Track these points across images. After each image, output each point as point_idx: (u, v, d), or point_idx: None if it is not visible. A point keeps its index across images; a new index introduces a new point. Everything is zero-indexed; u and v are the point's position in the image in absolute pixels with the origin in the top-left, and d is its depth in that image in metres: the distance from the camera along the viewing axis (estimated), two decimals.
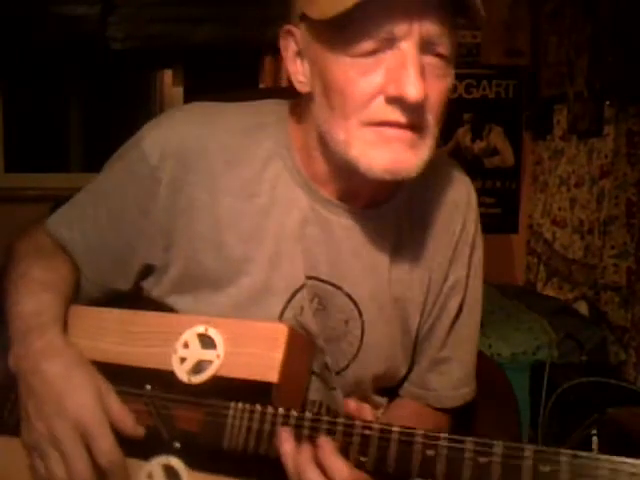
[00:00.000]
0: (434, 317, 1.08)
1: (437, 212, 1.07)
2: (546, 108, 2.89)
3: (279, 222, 1.00)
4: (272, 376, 0.87)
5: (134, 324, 0.97)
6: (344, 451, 0.80)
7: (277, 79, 2.85)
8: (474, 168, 3.07)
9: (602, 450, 1.82)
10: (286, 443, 0.82)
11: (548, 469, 0.72)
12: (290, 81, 0.97)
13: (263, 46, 2.88)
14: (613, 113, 2.41)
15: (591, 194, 2.57)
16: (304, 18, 0.91)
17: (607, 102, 2.44)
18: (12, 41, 2.90)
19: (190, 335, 0.92)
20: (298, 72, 0.95)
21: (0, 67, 2.92)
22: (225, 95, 1.10)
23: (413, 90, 0.85)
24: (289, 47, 0.95)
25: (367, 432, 0.80)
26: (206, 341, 0.91)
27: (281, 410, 0.84)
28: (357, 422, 0.81)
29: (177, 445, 0.87)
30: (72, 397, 0.87)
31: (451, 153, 3.07)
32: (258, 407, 0.85)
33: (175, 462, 0.87)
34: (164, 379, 0.90)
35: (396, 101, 0.87)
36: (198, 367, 0.90)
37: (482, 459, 0.75)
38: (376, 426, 0.80)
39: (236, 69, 2.91)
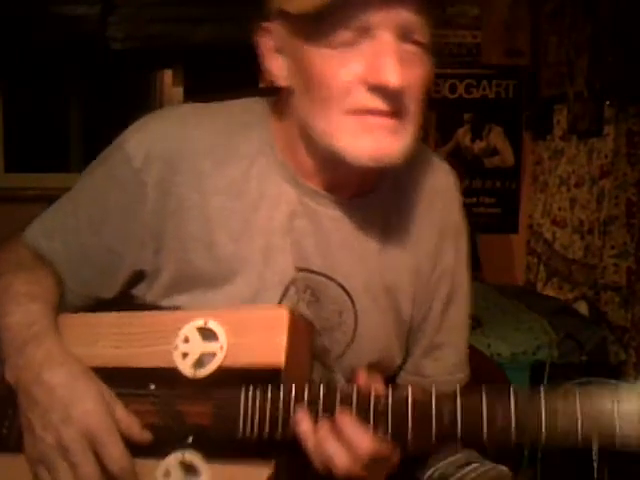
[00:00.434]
0: (426, 305, 1.09)
1: (420, 200, 1.08)
2: (546, 108, 2.89)
3: (268, 217, 1.00)
4: (278, 360, 0.86)
5: (128, 326, 0.96)
6: (362, 422, 0.80)
7: None
8: (474, 168, 3.07)
9: (602, 450, 1.82)
10: (303, 422, 0.82)
11: (561, 405, 0.76)
12: (269, 78, 0.98)
13: None
14: (613, 113, 2.41)
15: (591, 194, 2.57)
16: (281, 14, 0.92)
17: (607, 102, 2.44)
18: (12, 41, 2.90)
19: (189, 330, 0.91)
20: (277, 68, 0.96)
21: (0, 67, 2.92)
22: (225, 95, 1.10)
23: (393, 77, 0.87)
24: (267, 44, 0.96)
25: (383, 401, 0.81)
26: (207, 334, 0.90)
27: (293, 391, 0.84)
28: (372, 393, 0.82)
29: (190, 440, 0.87)
30: (78, 405, 0.86)
31: (451, 153, 3.08)
32: (269, 391, 0.84)
33: (191, 456, 0.86)
34: (167, 377, 0.89)
35: (376, 89, 0.89)
36: (201, 361, 0.89)
37: (499, 410, 0.77)
38: (391, 394, 0.81)
39: (236, 69, 2.92)
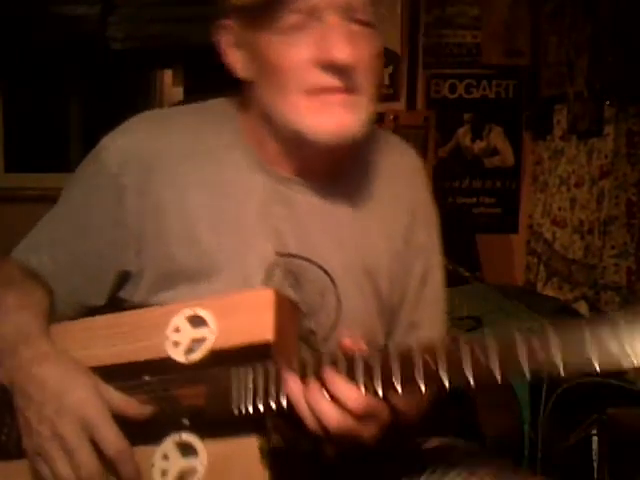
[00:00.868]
0: (403, 285, 1.13)
1: (389, 184, 1.13)
2: (546, 108, 2.89)
3: (244, 207, 1.04)
4: (267, 335, 0.89)
5: (120, 324, 0.98)
6: (352, 379, 0.82)
7: None
8: (474, 168, 3.07)
9: (602, 450, 1.82)
10: (292, 384, 0.84)
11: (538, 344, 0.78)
12: (231, 73, 1.04)
13: None
14: (613, 113, 2.41)
15: (591, 194, 2.57)
16: (234, 9, 0.99)
17: (607, 102, 2.44)
18: (12, 41, 2.90)
19: (179, 320, 0.93)
20: (237, 61, 1.02)
21: (0, 67, 2.92)
22: (225, 95, 1.12)
23: (341, 53, 0.93)
24: (225, 40, 1.02)
25: (366, 358, 0.83)
26: (196, 321, 0.93)
27: (283, 361, 0.86)
28: (357, 352, 0.84)
29: (186, 422, 0.88)
30: (71, 394, 0.88)
31: (451, 153, 3.08)
32: (259, 365, 0.87)
33: (187, 436, 0.88)
34: (161, 366, 0.91)
35: (328, 66, 0.94)
36: (193, 347, 0.91)
37: (479, 353, 0.80)
38: (375, 351, 0.84)
39: None
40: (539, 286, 2.96)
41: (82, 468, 0.86)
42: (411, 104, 3.04)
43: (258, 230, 1.04)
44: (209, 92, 1.14)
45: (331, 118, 0.97)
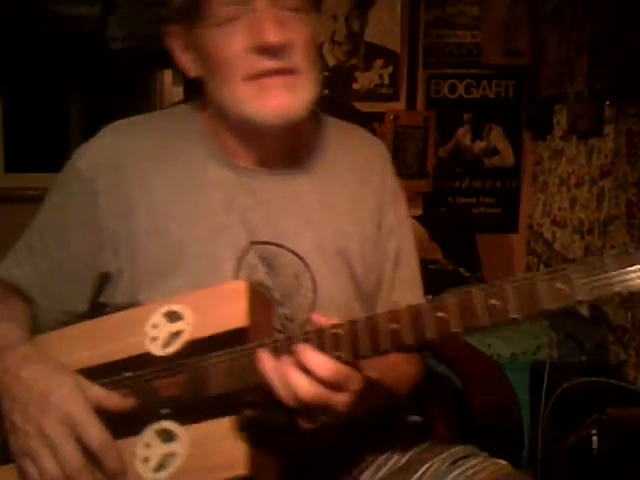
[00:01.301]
0: (378, 266, 1.18)
1: (354, 167, 1.18)
2: (546, 108, 2.89)
3: (211, 201, 1.09)
4: (241, 321, 0.93)
5: (100, 328, 1.03)
6: (322, 351, 0.86)
7: None
8: (474, 168, 3.07)
9: (602, 450, 1.82)
10: (265, 360, 0.87)
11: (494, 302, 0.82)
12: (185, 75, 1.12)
13: None
14: (613, 113, 2.41)
15: (591, 194, 2.57)
16: (174, 13, 1.07)
17: (607, 102, 2.44)
18: (12, 41, 2.90)
19: (156, 317, 0.98)
20: (186, 62, 1.10)
21: (0, 67, 2.92)
22: None
23: (270, 35, 0.99)
24: (175, 45, 1.11)
25: (335, 330, 0.87)
26: (173, 316, 0.97)
27: (256, 342, 0.90)
28: (326, 326, 0.88)
29: (166, 411, 0.92)
30: (54, 393, 0.91)
31: (451, 153, 3.08)
32: (234, 349, 0.91)
33: (167, 424, 0.92)
34: (141, 362, 0.96)
35: (261, 50, 1.00)
36: (172, 339, 0.96)
37: (439, 314, 0.84)
38: (343, 322, 0.88)
39: None
40: None
41: (67, 464, 0.88)
42: (411, 104, 3.04)
43: (226, 222, 1.08)
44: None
45: (272, 100, 1.02)
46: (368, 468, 1.13)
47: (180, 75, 1.16)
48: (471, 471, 1.04)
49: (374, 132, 1.50)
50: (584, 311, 2.54)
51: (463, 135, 3.07)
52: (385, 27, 2.97)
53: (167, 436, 0.92)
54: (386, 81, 3.00)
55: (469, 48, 3.02)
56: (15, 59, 2.93)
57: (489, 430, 1.34)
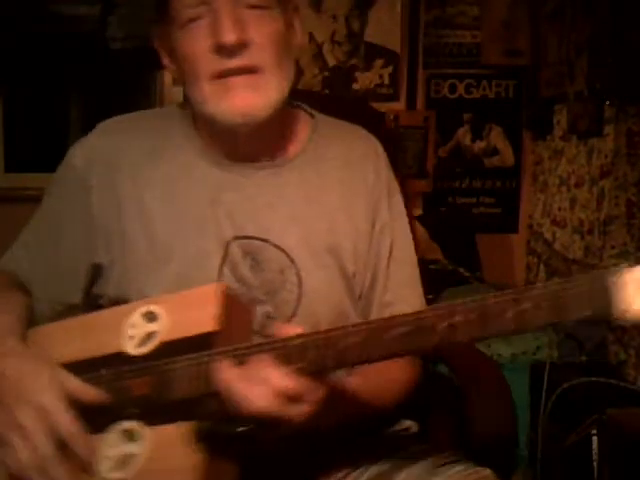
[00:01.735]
0: (373, 265, 1.16)
1: (348, 165, 1.17)
2: (546, 108, 2.89)
3: (197, 198, 1.11)
4: (211, 326, 0.93)
5: (84, 324, 1.06)
6: (282, 363, 0.85)
7: None
8: (474, 168, 3.07)
9: (602, 450, 1.82)
10: (225, 369, 0.87)
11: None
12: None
13: None
14: (613, 113, 2.41)
15: (591, 194, 2.57)
16: (157, 17, 1.09)
17: (607, 102, 2.44)
18: (12, 41, 2.90)
19: (136, 316, 1.00)
20: (168, 63, 1.12)
21: (0, 67, 2.92)
22: None
23: (226, 35, 1.00)
24: (158, 45, 1.12)
25: (298, 340, 0.86)
26: (150, 317, 0.99)
27: (220, 349, 0.90)
28: (289, 336, 0.87)
29: (134, 410, 0.94)
30: (29, 383, 0.94)
31: (451, 153, 3.07)
32: (200, 354, 0.91)
33: (131, 424, 0.94)
34: (117, 360, 0.98)
35: (220, 49, 1.01)
36: (145, 340, 0.98)
37: (402, 329, 0.82)
38: (306, 333, 0.87)
39: None
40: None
41: (38, 453, 0.90)
42: (411, 104, 3.04)
43: (211, 217, 1.10)
44: None
45: (234, 100, 1.03)
46: (350, 474, 1.12)
47: None
48: (452, 479, 1.04)
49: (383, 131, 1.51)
50: None
51: (463, 135, 3.06)
52: (385, 27, 2.97)
53: (131, 436, 0.93)
54: (386, 81, 3.00)
55: (469, 48, 3.02)
56: (15, 59, 2.93)
57: (484, 433, 1.34)
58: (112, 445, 0.93)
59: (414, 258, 1.22)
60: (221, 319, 0.94)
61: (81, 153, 1.17)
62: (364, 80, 2.99)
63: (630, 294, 0.69)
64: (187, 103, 1.16)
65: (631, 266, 0.70)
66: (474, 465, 1.08)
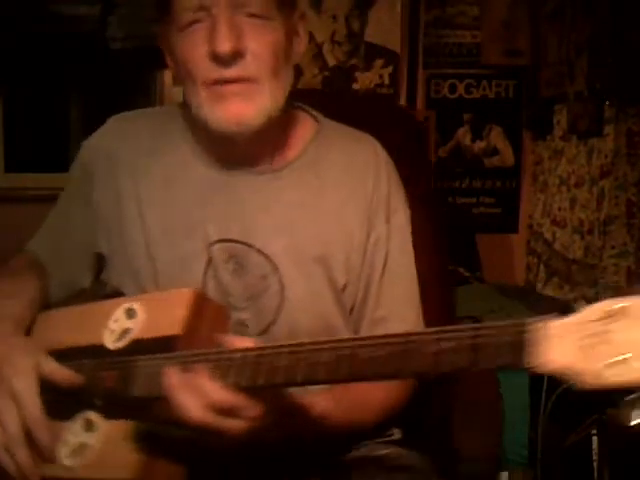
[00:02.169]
0: (366, 278, 1.14)
1: (346, 173, 1.15)
2: (546, 108, 2.89)
3: (189, 197, 1.13)
4: (176, 329, 0.97)
5: (77, 314, 1.12)
6: (219, 375, 0.86)
7: None
8: (474, 168, 3.07)
9: (602, 450, 1.82)
10: (170, 375, 0.88)
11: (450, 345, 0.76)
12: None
13: None
14: (613, 113, 2.41)
15: (591, 194, 2.57)
16: (160, 18, 1.10)
17: (607, 102, 2.44)
18: (12, 41, 2.89)
19: (120, 311, 1.05)
20: (170, 64, 1.13)
21: (0, 67, 2.91)
22: None
23: (221, 44, 1.00)
24: (162, 46, 1.13)
25: (239, 355, 0.87)
26: (130, 313, 1.04)
27: (176, 353, 0.93)
28: (233, 349, 0.88)
29: (99, 402, 0.98)
30: (8, 368, 0.99)
31: (451, 153, 3.07)
32: (160, 355, 0.94)
33: (93, 415, 0.98)
34: (97, 352, 1.03)
35: (214, 57, 1.02)
36: (122, 335, 1.02)
37: (327, 355, 0.80)
38: (254, 347, 0.88)
39: None
40: (539, 286, 2.96)
41: (7, 434, 0.95)
42: (411, 104, 3.04)
43: (200, 218, 1.11)
44: None
45: (227, 108, 1.03)
46: None
47: None
48: None
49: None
50: None
51: (463, 135, 3.06)
52: (385, 27, 2.97)
53: (89, 426, 0.98)
54: (386, 81, 3.00)
55: (469, 48, 3.02)
56: (15, 59, 2.93)
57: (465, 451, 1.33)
58: (73, 433, 0.98)
59: (413, 275, 1.18)
60: (186, 324, 0.97)
61: (89, 146, 1.22)
62: (364, 80, 2.99)
63: (544, 349, 0.68)
64: (186, 104, 1.15)
65: (547, 320, 0.70)
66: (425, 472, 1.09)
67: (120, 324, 1.04)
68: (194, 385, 0.86)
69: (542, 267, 2.95)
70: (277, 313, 1.10)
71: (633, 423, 0.68)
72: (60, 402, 1.00)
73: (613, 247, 2.42)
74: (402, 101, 3.04)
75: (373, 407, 1.11)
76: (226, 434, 0.86)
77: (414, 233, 1.21)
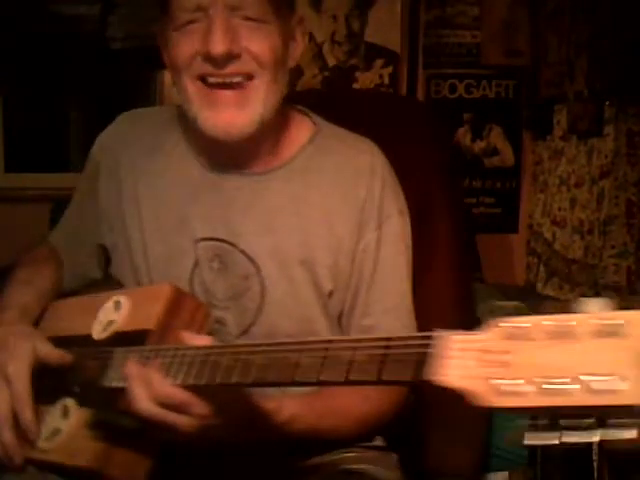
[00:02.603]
0: (354, 284, 1.13)
1: (339, 178, 1.14)
2: (546, 108, 2.89)
3: (180, 195, 1.15)
4: (149, 324, 1.00)
5: (77, 305, 1.18)
6: (169, 371, 0.89)
7: None
8: (474, 168, 3.07)
9: (602, 450, 1.82)
10: (129, 367, 0.91)
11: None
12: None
13: None
14: (613, 113, 2.41)
15: (591, 194, 2.57)
16: (159, 17, 1.11)
17: (607, 102, 2.44)
18: (12, 41, 2.89)
19: (109, 303, 1.09)
20: (166, 62, 1.14)
21: (0, 67, 2.91)
22: None
23: (215, 45, 1.02)
24: (160, 44, 1.14)
25: (191, 352, 0.89)
26: (117, 306, 1.08)
27: (141, 347, 0.96)
28: (188, 347, 0.91)
29: (77, 390, 1.03)
30: (4, 352, 1.04)
31: (451, 153, 3.07)
32: (130, 348, 0.97)
33: (69, 402, 1.04)
34: (85, 341, 1.08)
35: (207, 57, 1.04)
36: (107, 327, 1.07)
37: (271, 355, 0.80)
38: (205, 346, 0.90)
39: None
40: (539, 286, 2.96)
41: None
42: None
43: (189, 216, 1.13)
44: None
45: (220, 116, 1.05)
46: None
47: None
48: None
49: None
50: None
51: (463, 135, 3.06)
52: (385, 27, 2.97)
53: (65, 412, 1.03)
54: (386, 81, 2.99)
55: (469, 48, 3.02)
56: (15, 59, 2.93)
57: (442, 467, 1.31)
58: (52, 417, 1.04)
59: (404, 285, 1.16)
60: (159, 319, 1.00)
61: (99, 141, 1.27)
62: (364, 80, 2.99)
63: (442, 365, 0.66)
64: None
65: (451, 334, 0.68)
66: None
67: (107, 316, 1.08)
68: (145, 377, 0.89)
69: (542, 267, 2.95)
70: (257, 314, 1.10)
71: (526, 443, 0.64)
72: (49, 388, 1.04)
73: (613, 247, 2.42)
74: None
75: (351, 415, 1.10)
76: (173, 429, 0.89)
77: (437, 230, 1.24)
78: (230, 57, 1.03)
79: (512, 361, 0.62)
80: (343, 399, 1.08)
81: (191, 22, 1.05)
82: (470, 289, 1.46)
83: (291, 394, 1.01)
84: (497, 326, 0.65)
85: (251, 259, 1.11)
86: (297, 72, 2.86)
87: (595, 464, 1.86)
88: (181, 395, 0.88)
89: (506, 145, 3.08)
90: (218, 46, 1.02)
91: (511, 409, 0.61)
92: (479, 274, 2.82)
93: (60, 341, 1.09)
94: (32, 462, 1.04)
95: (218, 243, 1.12)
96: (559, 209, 2.82)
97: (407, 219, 1.18)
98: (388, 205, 1.15)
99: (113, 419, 0.96)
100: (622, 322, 0.58)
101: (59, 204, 1.36)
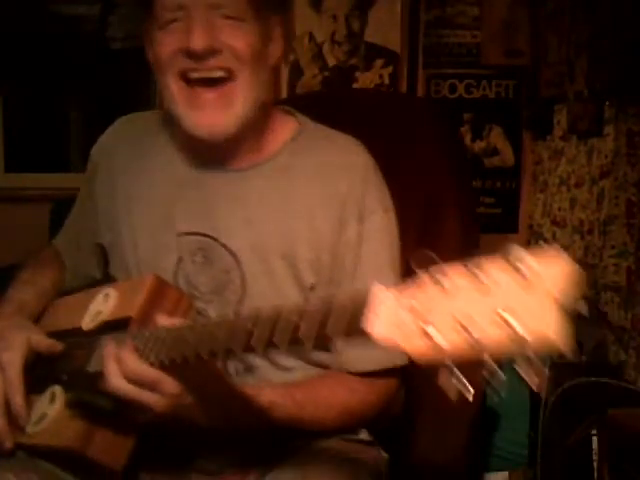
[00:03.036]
0: (337, 279, 1.14)
1: (321, 174, 1.16)
2: (546, 108, 2.89)
3: (165, 192, 1.19)
4: (131, 312, 1.04)
5: (72, 301, 1.23)
6: (139, 350, 0.93)
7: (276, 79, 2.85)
8: (474, 168, 3.07)
9: (602, 450, 1.82)
10: (106, 349, 0.95)
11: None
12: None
13: None
14: (613, 113, 2.41)
15: (591, 194, 2.57)
16: (145, 17, 1.14)
17: (607, 102, 2.44)
18: (11, 41, 2.90)
19: (100, 296, 1.13)
20: (150, 61, 1.16)
21: (0, 67, 2.91)
22: None
23: (195, 41, 1.05)
24: (145, 43, 1.16)
25: (160, 332, 0.93)
26: (106, 298, 1.12)
27: (122, 332, 1.00)
28: (158, 328, 0.94)
29: (65, 377, 1.08)
30: (0, 344, 1.10)
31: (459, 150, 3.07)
32: (114, 334, 1.01)
33: (57, 389, 1.08)
34: (76, 333, 1.12)
35: (187, 54, 1.07)
36: (95, 317, 1.11)
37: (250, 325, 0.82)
38: (177, 326, 0.93)
39: None
40: None
41: None
42: None
43: (174, 212, 1.17)
44: None
45: (203, 116, 1.08)
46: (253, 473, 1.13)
47: None
48: None
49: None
50: (584, 311, 2.54)
51: (463, 135, 3.06)
52: (385, 27, 2.97)
53: (52, 399, 1.08)
54: (386, 81, 2.99)
55: (469, 48, 3.02)
56: (15, 59, 2.93)
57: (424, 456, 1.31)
58: (42, 403, 1.08)
59: (387, 281, 1.14)
60: (140, 307, 1.04)
61: (98, 143, 1.31)
62: (364, 80, 2.99)
63: (374, 317, 0.68)
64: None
65: (383, 287, 0.70)
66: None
67: (97, 307, 1.12)
68: (119, 356, 0.93)
69: None
70: (238, 308, 1.12)
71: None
72: (41, 378, 1.10)
73: (613, 247, 2.42)
74: None
75: (334, 407, 1.11)
76: (147, 408, 0.92)
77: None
78: (211, 52, 1.06)
79: (430, 309, 0.64)
80: (326, 390, 1.10)
81: (174, 21, 1.08)
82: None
83: (272, 384, 1.06)
84: (427, 275, 0.67)
85: (232, 253, 1.13)
86: (297, 72, 2.87)
87: (595, 464, 1.86)
88: (151, 373, 0.91)
89: (506, 145, 3.08)
90: (198, 42, 1.05)
91: (426, 360, 0.63)
92: None
93: (55, 335, 1.14)
94: (21, 447, 1.09)
95: (201, 237, 1.15)
96: (559, 209, 2.82)
97: (393, 217, 1.18)
98: (371, 201, 1.16)
99: (92, 400, 1.00)
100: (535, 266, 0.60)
101: (59, 204, 1.38)
